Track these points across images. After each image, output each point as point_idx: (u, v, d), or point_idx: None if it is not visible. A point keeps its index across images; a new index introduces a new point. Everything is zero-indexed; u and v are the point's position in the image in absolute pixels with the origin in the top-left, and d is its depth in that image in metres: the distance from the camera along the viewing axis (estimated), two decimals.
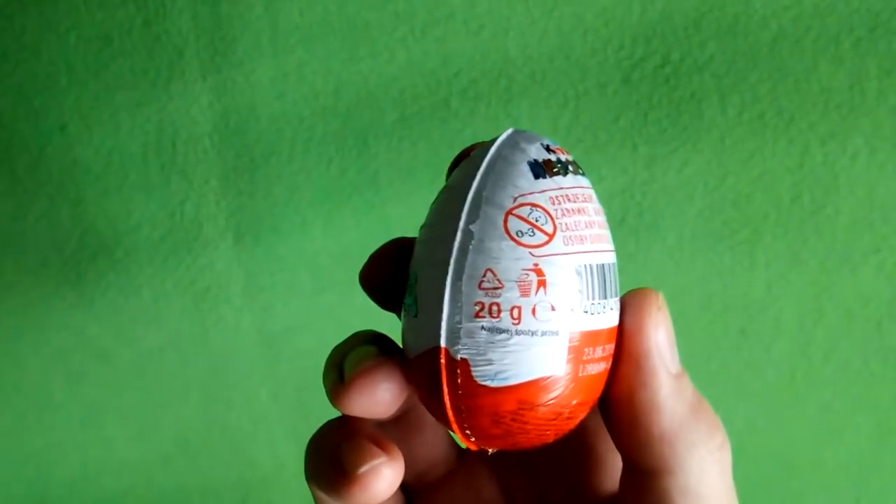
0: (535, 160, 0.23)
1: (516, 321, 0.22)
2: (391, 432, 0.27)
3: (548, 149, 0.24)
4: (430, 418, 0.28)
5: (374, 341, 0.26)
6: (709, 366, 0.54)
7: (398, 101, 0.50)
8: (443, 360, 0.23)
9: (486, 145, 0.25)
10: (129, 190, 0.53)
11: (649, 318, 0.24)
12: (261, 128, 0.51)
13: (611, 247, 0.24)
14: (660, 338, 0.24)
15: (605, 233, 0.24)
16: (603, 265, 0.23)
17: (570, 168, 0.24)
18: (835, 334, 0.52)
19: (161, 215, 0.53)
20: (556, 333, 0.22)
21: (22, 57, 0.51)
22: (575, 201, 0.23)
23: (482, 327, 0.22)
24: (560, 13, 0.48)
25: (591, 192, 0.24)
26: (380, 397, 0.24)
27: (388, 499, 0.27)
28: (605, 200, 0.50)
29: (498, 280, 0.22)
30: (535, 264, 0.22)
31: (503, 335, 0.22)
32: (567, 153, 0.25)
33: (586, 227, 0.23)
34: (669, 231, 0.51)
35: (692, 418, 0.24)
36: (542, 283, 0.22)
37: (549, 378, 0.22)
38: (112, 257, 0.54)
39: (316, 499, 0.27)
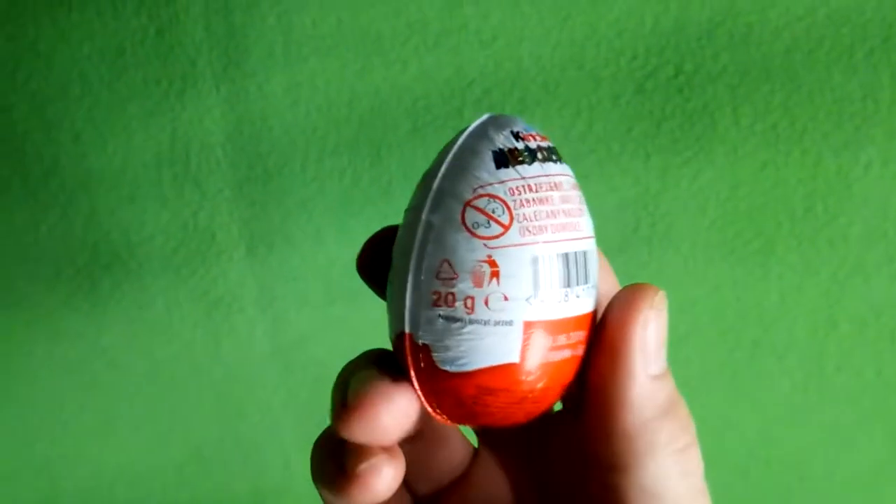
0: (499, 149, 0.23)
1: (469, 311, 0.23)
2: (414, 447, 0.28)
3: (517, 136, 0.24)
4: (448, 431, 0.29)
5: (379, 362, 0.25)
6: (722, 376, 0.54)
7: (411, 112, 0.50)
8: (408, 345, 0.24)
9: (457, 135, 0.25)
10: (143, 200, 0.53)
11: (637, 314, 0.24)
12: (274, 138, 0.51)
13: (583, 234, 0.24)
14: (647, 336, 0.24)
15: (576, 220, 0.24)
16: (566, 254, 0.23)
17: (539, 155, 0.24)
18: (848, 345, 0.52)
19: (174, 225, 0.53)
20: (510, 323, 0.23)
21: (35, 67, 0.51)
22: (537, 191, 0.23)
23: (439, 315, 0.23)
24: (573, 23, 0.48)
25: (563, 178, 0.24)
26: (383, 424, 0.24)
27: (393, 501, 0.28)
28: (618, 210, 0.51)
29: (453, 271, 0.23)
30: (489, 256, 0.23)
31: (458, 324, 0.23)
32: (542, 139, 0.24)
33: (548, 216, 0.23)
34: (682, 241, 0.51)
35: (657, 421, 0.24)
36: (495, 274, 0.23)
37: (504, 365, 0.23)
38: (125, 267, 0.55)
39: (322, 499, 0.27)
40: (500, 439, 0.30)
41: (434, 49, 0.49)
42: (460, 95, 0.50)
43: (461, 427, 0.29)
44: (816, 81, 0.47)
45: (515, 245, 0.23)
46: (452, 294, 0.23)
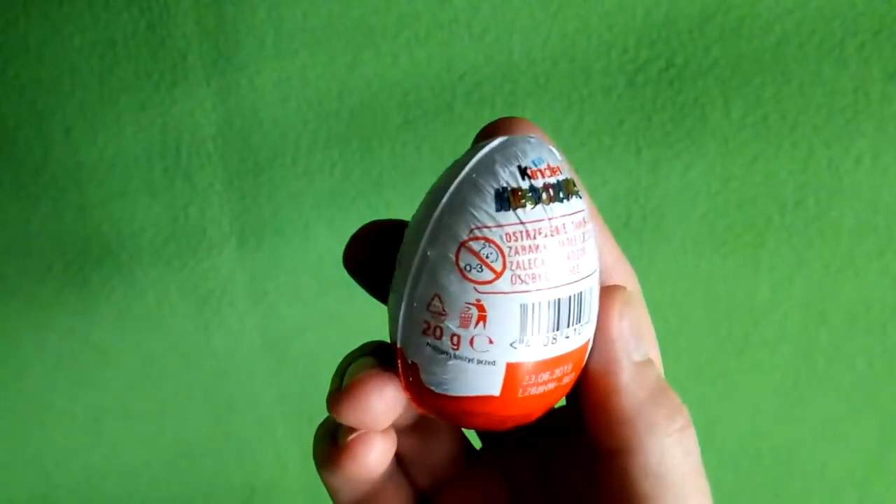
0: (503, 188, 0.23)
1: (455, 347, 0.23)
2: (408, 437, 0.29)
3: (523, 173, 0.23)
4: (447, 426, 0.29)
5: (377, 353, 0.26)
6: (713, 368, 0.54)
7: (402, 105, 0.50)
8: (399, 357, 0.24)
9: (468, 154, 0.24)
10: (133, 193, 0.53)
11: (613, 311, 0.25)
12: (264, 131, 0.51)
13: (582, 275, 0.24)
14: (623, 328, 0.25)
15: (575, 262, 0.23)
16: (559, 300, 0.23)
17: (545, 196, 0.23)
18: (839, 338, 0.52)
19: (165, 219, 0.53)
20: (493, 363, 0.23)
21: (26, 60, 0.51)
22: (535, 237, 0.23)
23: (427, 343, 0.23)
24: (564, 16, 0.48)
25: (567, 219, 0.23)
26: (373, 408, 0.25)
27: (399, 492, 0.29)
28: (610, 204, 0.51)
29: (443, 307, 0.23)
30: (478, 300, 0.23)
31: (443, 355, 0.23)
32: (553, 173, 0.23)
33: (543, 263, 0.23)
34: (673, 234, 0.51)
35: (652, 402, 0.25)
36: (482, 318, 0.23)
37: (485, 397, 0.24)
38: (116, 261, 0.55)
39: (325, 485, 0.28)
40: (502, 439, 0.31)
41: (425, 42, 0.49)
42: (451, 89, 0.50)
43: None
44: (807, 75, 0.47)
45: (505, 293, 0.23)
46: (441, 328, 0.23)
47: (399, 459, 0.29)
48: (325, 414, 0.28)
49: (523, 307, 0.23)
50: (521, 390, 0.23)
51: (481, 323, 0.23)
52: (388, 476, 0.29)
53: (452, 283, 0.23)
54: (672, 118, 0.49)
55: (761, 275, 0.51)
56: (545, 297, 0.23)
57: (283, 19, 0.49)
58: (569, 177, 0.24)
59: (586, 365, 0.25)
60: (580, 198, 0.24)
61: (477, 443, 0.31)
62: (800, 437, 0.56)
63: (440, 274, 0.23)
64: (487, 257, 0.23)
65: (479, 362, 0.23)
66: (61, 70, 0.51)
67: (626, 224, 0.51)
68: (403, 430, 0.28)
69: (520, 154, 0.23)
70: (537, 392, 0.24)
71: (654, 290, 0.53)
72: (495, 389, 0.23)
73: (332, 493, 0.29)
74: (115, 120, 0.52)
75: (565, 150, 0.50)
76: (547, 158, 0.24)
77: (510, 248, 0.23)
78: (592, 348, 0.25)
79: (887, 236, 0.49)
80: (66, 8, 0.50)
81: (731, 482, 0.57)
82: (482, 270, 0.23)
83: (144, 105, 0.51)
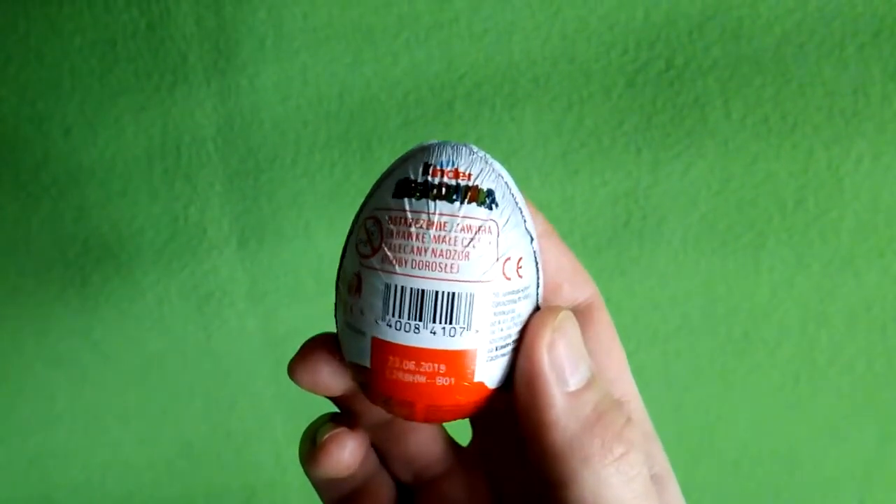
0: (404, 179, 0.25)
1: (345, 313, 0.26)
2: (388, 432, 0.31)
3: (426, 169, 0.25)
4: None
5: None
6: (713, 370, 0.54)
7: (402, 105, 0.50)
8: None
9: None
10: (133, 194, 0.53)
11: (541, 340, 0.25)
12: (265, 132, 0.51)
13: (457, 277, 0.25)
14: (555, 357, 0.25)
15: (451, 262, 0.25)
16: (422, 290, 0.25)
17: (434, 192, 0.25)
18: (839, 338, 0.52)
19: (165, 219, 0.53)
20: (364, 334, 0.25)
21: (26, 60, 0.51)
22: (411, 225, 0.25)
23: (337, 307, 0.27)
24: (564, 17, 0.48)
25: (452, 220, 0.25)
26: (320, 370, 0.27)
27: (379, 488, 0.31)
28: (609, 204, 0.51)
29: (345, 274, 0.26)
30: (358, 272, 0.25)
31: (341, 320, 0.26)
32: (457, 177, 0.25)
33: (414, 252, 0.25)
34: (673, 235, 0.51)
35: (585, 434, 0.25)
36: (358, 290, 0.25)
37: (363, 367, 0.26)
38: (116, 261, 0.55)
39: (313, 486, 0.31)
40: (485, 434, 0.32)
41: (425, 42, 0.49)
42: (451, 89, 0.50)
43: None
44: (807, 75, 0.47)
45: (374, 269, 0.25)
46: (341, 293, 0.26)
47: (381, 455, 0.31)
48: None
49: (387, 286, 0.25)
50: (388, 371, 0.25)
51: (358, 294, 0.25)
52: (371, 471, 0.31)
53: (350, 253, 0.26)
54: (672, 119, 0.49)
55: (761, 275, 0.51)
56: (409, 283, 0.25)
57: (284, 20, 0.49)
58: (482, 186, 0.25)
59: (515, 392, 0.25)
60: (490, 209, 0.25)
61: (462, 440, 0.32)
62: (800, 437, 0.56)
63: (348, 246, 0.26)
64: (371, 235, 0.25)
65: (355, 330, 0.25)
66: (61, 70, 0.51)
67: (625, 224, 0.51)
68: (383, 426, 0.30)
69: (434, 154, 0.26)
70: (405, 380, 0.25)
71: (653, 290, 0.53)
72: (366, 360, 0.25)
73: (319, 491, 0.31)
74: (115, 120, 0.52)
75: (565, 151, 0.50)
76: (462, 164, 0.25)
77: (388, 230, 0.25)
78: (519, 376, 0.25)
79: (887, 237, 0.49)
80: (67, 8, 0.50)
81: (730, 483, 0.57)
82: (365, 246, 0.25)
83: (144, 105, 0.51)
